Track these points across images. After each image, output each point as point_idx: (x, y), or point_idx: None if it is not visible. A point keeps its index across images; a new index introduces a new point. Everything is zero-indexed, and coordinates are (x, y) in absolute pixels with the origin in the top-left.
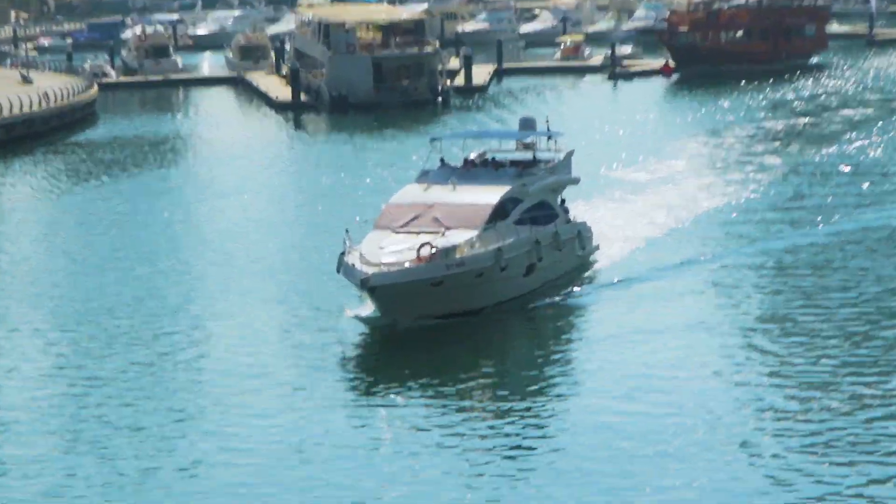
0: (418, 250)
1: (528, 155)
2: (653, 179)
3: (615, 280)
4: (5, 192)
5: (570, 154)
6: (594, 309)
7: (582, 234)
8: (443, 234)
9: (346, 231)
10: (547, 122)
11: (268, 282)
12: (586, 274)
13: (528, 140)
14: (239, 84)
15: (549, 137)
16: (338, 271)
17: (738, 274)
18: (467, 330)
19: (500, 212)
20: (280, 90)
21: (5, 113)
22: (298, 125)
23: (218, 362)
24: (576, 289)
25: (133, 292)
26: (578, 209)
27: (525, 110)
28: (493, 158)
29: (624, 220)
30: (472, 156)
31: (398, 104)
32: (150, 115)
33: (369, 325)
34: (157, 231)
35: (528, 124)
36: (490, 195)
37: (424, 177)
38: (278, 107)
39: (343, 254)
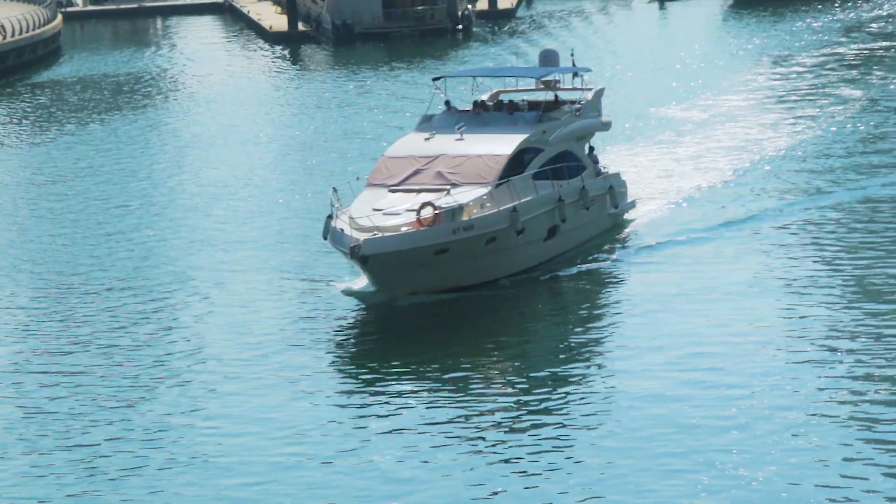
0: (418, 212)
1: (549, 95)
2: (705, 119)
3: (654, 242)
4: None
5: (599, 93)
6: (629, 278)
7: (614, 189)
8: (448, 193)
9: (334, 190)
10: (572, 55)
11: (250, 248)
12: (620, 236)
13: (550, 78)
14: (227, 12)
15: (575, 74)
16: (324, 238)
17: (805, 233)
18: (479, 306)
19: (516, 164)
20: (275, 19)
21: None
22: (296, 60)
23: (189, 340)
24: (607, 254)
25: (102, 256)
26: (612, 158)
27: (554, 41)
28: (510, 101)
29: (668, 170)
30: (484, 97)
31: (411, 33)
32: (124, 49)
33: (363, 301)
34: (131, 186)
35: (549, 59)
36: (504, 144)
37: (426, 123)
38: (273, 38)
39: (330, 217)
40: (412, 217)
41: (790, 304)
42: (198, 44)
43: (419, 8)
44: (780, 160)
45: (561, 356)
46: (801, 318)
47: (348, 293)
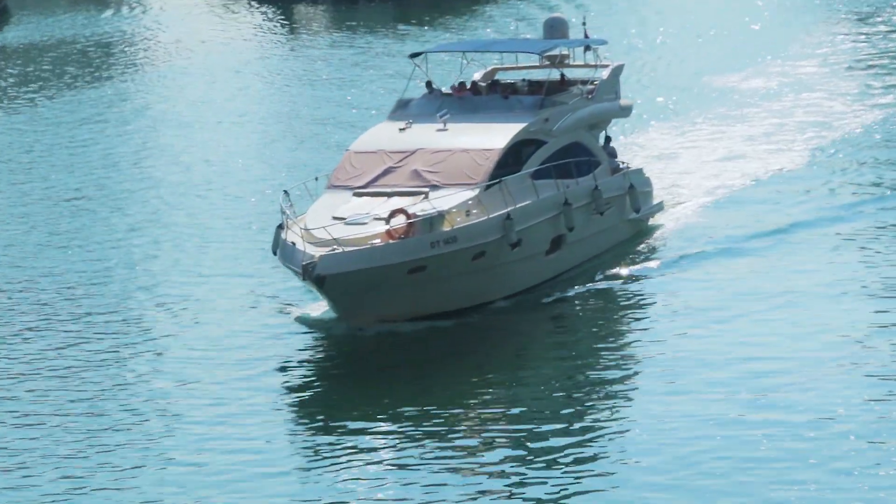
0: (388, 221)
1: (553, 74)
2: (755, 98)
3: (685, 254)
4: None
5: (617, 71)
6: (651, 300)
7: (635, 189)
8: (426, 196)
9: (285, 194)
10: (584, 24)
11: (201, 257)
12: (641, 246)
13: (556, 52)
14: None
15: (588, 48)
16: (274, 253)
17: (876, 242)
18: (465, 336)
19: (512, 160)
20: None
21: None
22: (286, 22)
23: (124, 369)
24: (625, 270)
25: (44, 256)
26: (634, 150)
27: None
28: (507, 81)
29: (706, 164)
30: (477, 77)
31: None
32: (81, 10)
33: (322, 331)
34: (84, 173)
35: (556, 29)
36: (496, 136)
37: (402, 110)
38: None
39: (281, 227)
40: (380, 227)
41: (849, 335)
42: (171, 3)
43: None
44: (853, 147)
45: (564, 399)
46: (861, 345)
47: (304, 321)
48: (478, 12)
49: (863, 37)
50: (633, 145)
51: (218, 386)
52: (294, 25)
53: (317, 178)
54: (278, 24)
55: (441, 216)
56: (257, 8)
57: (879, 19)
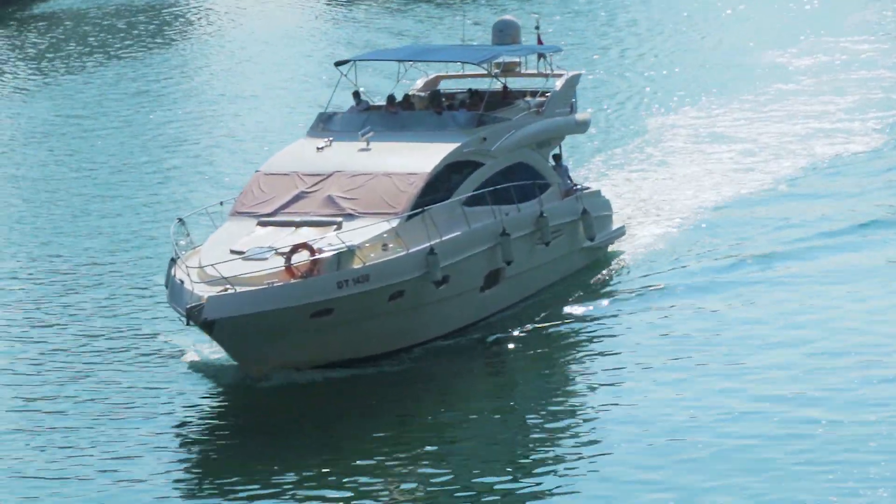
0: (288, 257)
1: (496, 85)
2: (742, 106)
3: (645, 289)
4: None
5: (572, 81)
6: (603, 341)
7: (590, 214)
8: (338, 228)
9: (180, 222)
10: (537, 28)
11: (88, 290)
12: (595, 279)
13: (504, 59)
14: None
15: (541, 56)
16: (166, 287)
17: (854, 277)
18: (380, 386)
19: (441, 186)
20: None
21: None
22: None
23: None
24: (573, 306)
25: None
26: (596, 168)
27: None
28: (447, 92)
29: (679, 181)
30: (418, 85)
31: None
32: None
33: (217, 379)
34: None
35: (505, 33)
36: (423, 158)
37: (324, 124)
38: None
39: (173, 262)
40: (281, 264)
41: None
42: None
43: None
44: (833, 170)
45: (499, 458)
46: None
47: (199, 367)
48: None
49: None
50: (593, 163)
51: (100, 442)
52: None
53: (222, 203)
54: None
55: (351, 252)
56: None
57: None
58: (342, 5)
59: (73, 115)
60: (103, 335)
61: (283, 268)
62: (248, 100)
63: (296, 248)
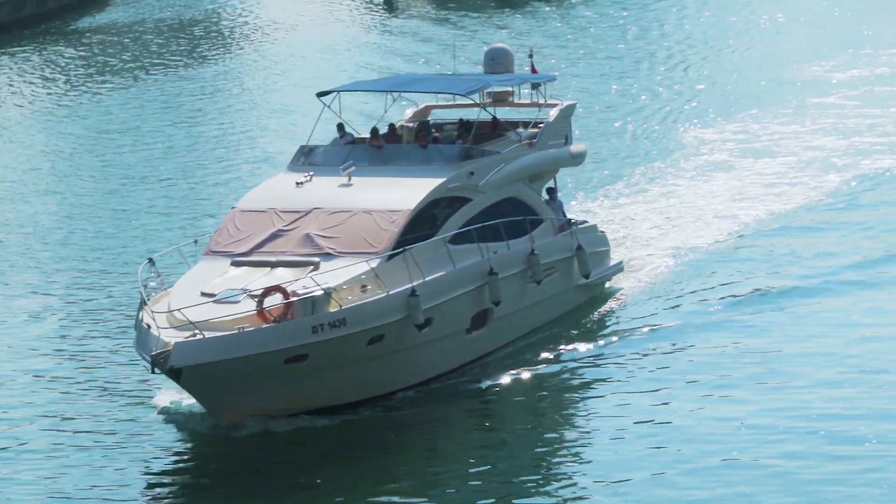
0: (260, 300)
1: (484, 116)
2: (746, 135)
3: (641, 327)
4: None
5: (567, 112)
6: (597, 384)
7: (585, 250)
8: (315, 268)
9: (150, 262)
10: (531, 56)
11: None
12: (591, 318)
13: (495, 89)
14: None
15: (536, 85)
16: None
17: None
18: (360, 435)
19: (425, 223)
20: None
21: None
22: (391, 5)
23: None
24: (566, 347)
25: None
26: (597, 202)
27: None
28: (436, 123)
29: (682, 214)
30: (407, 115)
31: None
32: None
33: (186, 428)
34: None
35: (497, 62)
36: (407, 193)
37: (304, 158)
38: None
39: (142, 305)
40: (253, 307)
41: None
42: None
43: None
44: (842, 199)
45: None
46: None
47: (169, 415)
48: None
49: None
50: (590, 195)
51: (65, 494)
52: (397, 8)
53: (196, 241)
54: (380, 7)
55: (327, 295)
56: None
57: None
58: (390, 18)
59: (104, 130)
60: (71, 378)
61: (255, 311)
62: (283, 115)
63: (268, 291)
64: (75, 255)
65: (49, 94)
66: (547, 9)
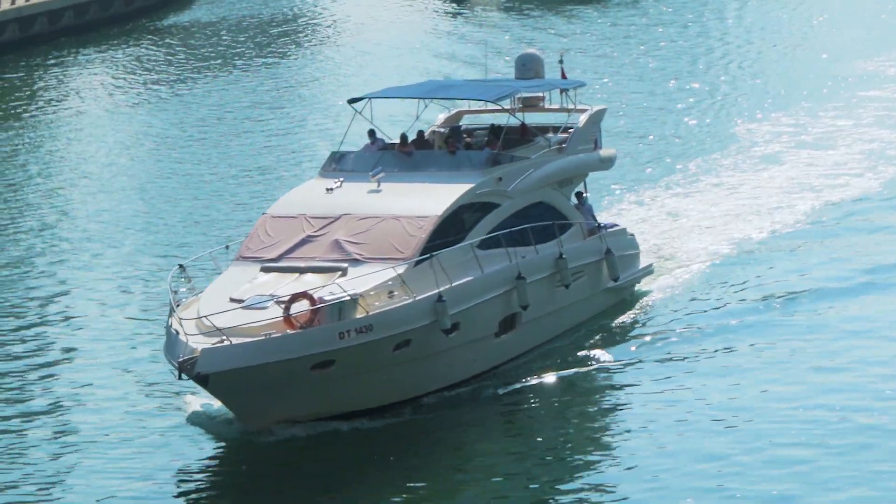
0: (287, 307)
1: (514, 122)
2: (792, 133)
3: (669, 331)
4: (77, 90)
5: (596, 117)
6: (626, 388)
7: (613, 254)
8: (343, 274)
9: (180, 268)
10: (561, 62)
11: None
12: (620, 321)
13: (528, 94)
14: None
15: (564, 90)
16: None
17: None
18: (389, 439)
19: (453, 229)
20: None
21: None
22: (460, 6)
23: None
24: (595, 351)
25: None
26: (631, 203)
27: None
28: (468, 129)
29: (713, 217)
30: (440, 120)
31: None
32: None
33: (215, 433)
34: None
35: (528, 68)
36: (435, 200)
37: (335, 164)
38: None
39: (171, 312)
40: (279, 313)
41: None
42: None
43: None
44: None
45: None
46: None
47: (199, 420)
48: None
49: None
50: (622, 199)
51: (96, 496)
52: (468, 4)
53: (227, 247)
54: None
55: (354, 301)
56: None
57: None
58: (458, 15)
59: (171, 128)
60: (101, 384)
61: (282, 318)
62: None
63: (295, 298)
64: (145, 249)
65: (124, 90)
66: (617, 3)
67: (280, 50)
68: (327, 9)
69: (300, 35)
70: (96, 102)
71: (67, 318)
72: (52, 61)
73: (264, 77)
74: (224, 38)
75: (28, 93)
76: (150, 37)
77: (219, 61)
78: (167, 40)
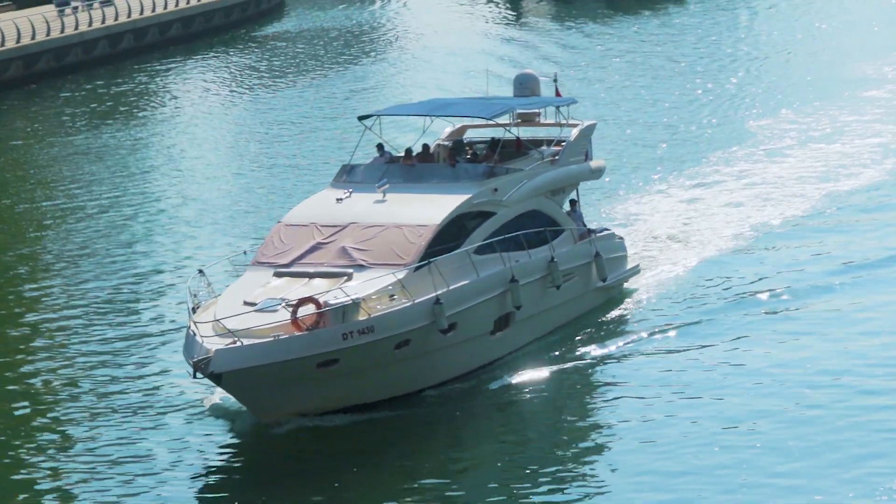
0: (294, 310)
1: (508, 136)
2: (770, 144)
3: (654, 326)
4: (177, 94)
5: (587, 131)
6: (612, 381)
7: (602, 256)
8: (348, 279)
9: (200, 273)
10: (555, 81)
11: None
12: (608, 317)
13: (525, 110)
14: None
15: (559, 107)
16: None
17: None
18: (394, 430)
19: (451, 236)
20: None
21: (181, 3)
22: (517, 11)
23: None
24: (584, 347)
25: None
26: (621, 208)
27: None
28: (469, 142)
29: (697, 219)
30: (445, 134)
31: None
32: (352, 2)
33: (230, 426)
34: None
35: (525, 87)
36: (434, 209)
37: (346, 176)
38: None
39: (192, 312)
40: (288, 316)
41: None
42: None
43: None
44: (864, 201)
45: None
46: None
47: (218, 412)
48: (685, 2)
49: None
50: (612, 202)
51: (117, 484)
52: (522, 15)
53: (245, 252)
54: (509, 12)
55: (356, 304)
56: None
57: None
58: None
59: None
60: (122, 377)
61: (290, 320)
62: None
63: (302, 302)
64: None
65: (215, 94)
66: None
67: (346, 59)
68: (404, 18)
69: (372, 44)
70: (193, 106)
71: (111, 313)
72: (160, 67)
73: (329, 84)
74: (299, 48)
75: (142, 95)
76: (244, 45)
77: (292, 70)
78: (257, 48)
